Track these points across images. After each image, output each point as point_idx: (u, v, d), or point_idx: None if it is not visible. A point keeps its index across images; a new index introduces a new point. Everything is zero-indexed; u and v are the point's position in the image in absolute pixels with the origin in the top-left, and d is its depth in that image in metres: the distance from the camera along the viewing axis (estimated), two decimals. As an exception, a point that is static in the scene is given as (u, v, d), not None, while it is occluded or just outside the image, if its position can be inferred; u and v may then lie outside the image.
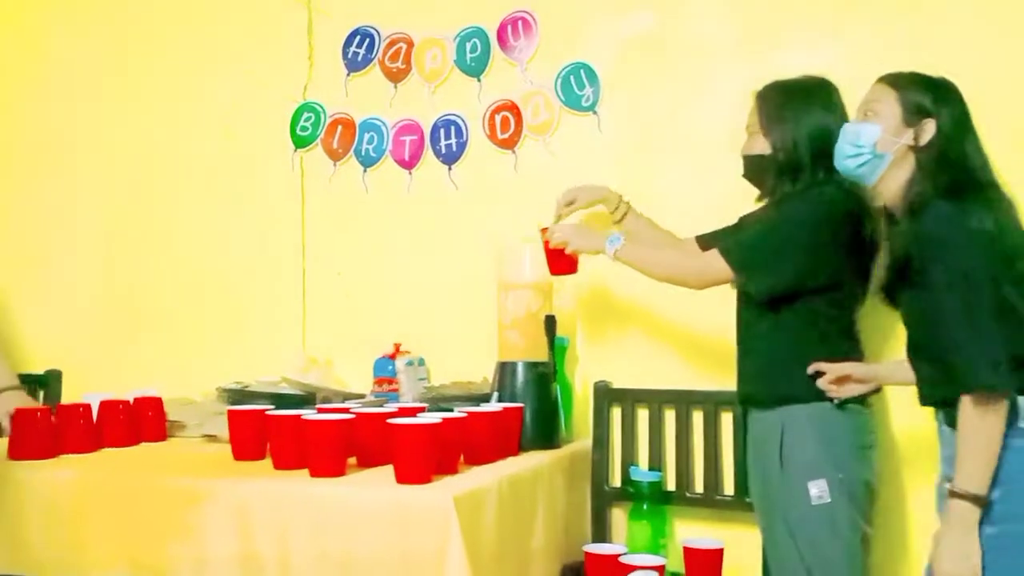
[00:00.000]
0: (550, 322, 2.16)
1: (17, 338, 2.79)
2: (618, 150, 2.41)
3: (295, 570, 1.59)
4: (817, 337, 1.85)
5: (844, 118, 1.86)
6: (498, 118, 2.53)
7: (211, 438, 2.18)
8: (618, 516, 2.29)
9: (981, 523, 1.47)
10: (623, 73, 2.41)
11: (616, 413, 2.32)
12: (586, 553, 1.94)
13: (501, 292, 2.21)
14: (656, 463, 2.26)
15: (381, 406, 1.99)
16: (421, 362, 2.46)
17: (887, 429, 2.08)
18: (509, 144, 2.51)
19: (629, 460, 2.29)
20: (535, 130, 2.49)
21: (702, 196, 2.29)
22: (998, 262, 1.50)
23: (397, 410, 1.89)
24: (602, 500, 2.28)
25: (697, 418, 2.24)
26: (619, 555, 1.90)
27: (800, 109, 1.88)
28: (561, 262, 2.10)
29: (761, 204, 2.01)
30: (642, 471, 2.24)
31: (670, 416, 2.27)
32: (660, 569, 1.84)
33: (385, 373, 2.45)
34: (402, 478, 1.61)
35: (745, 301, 1.95)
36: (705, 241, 2.14)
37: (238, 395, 2.25)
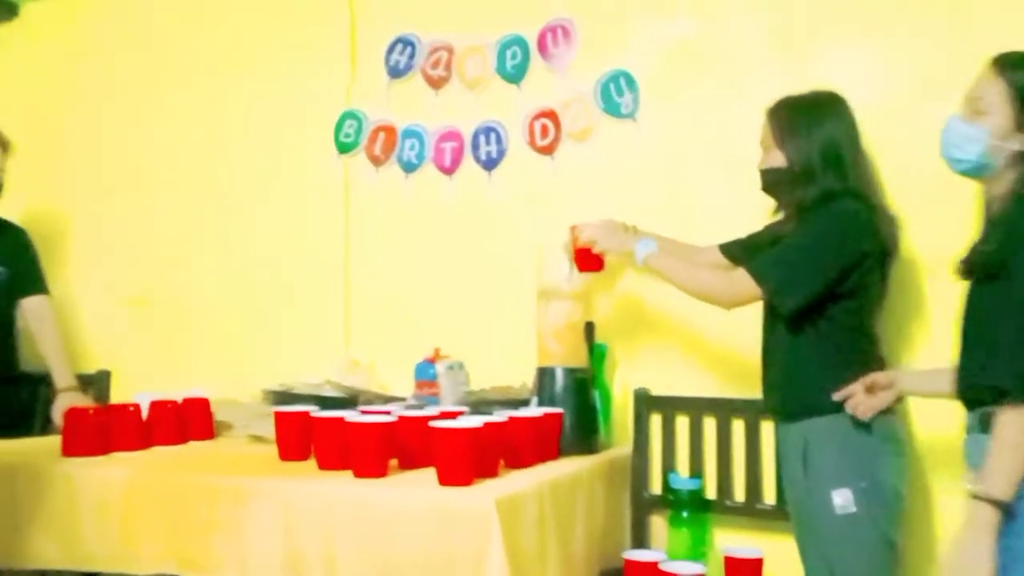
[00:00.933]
0: (589, 328, 2.17)
1: (70, 338, 2.86)
2: (657, 157, 2.41)
3: (338, 568, 1.61)
4: (836, 347, 1.86)
5: (854, 129, 1.90)
6: (537, 125, 2.55)
7: (257, 438, 2.22)
8: (656, 523, 2.29)
9: (1003, 533, 1.44)
10: (662, 80, 2.41)
11: (655, 420, 2.32)
12: (626, 560, 1.94)
13: (541, 298, 2.23)
14: (696, 471, 2.26)
15: (422, 409, 2.01)
16: (461, 366, 2.48)
17: (913, 435, 2.05)
18: (548, 150, 2.53)
19: (668, 467, 2.29)
20: (574, 137, 2.50)
21: (740, 203, 2.28)
22: None
23: (438, 413, 1.91)
24: (641, 507, 2.28)
25: (737, 426, 2.23)
26: (659, 562, 1.90)
27: (811, 122, 1.90)
28: (589, 261, 2.12)
29: (777, 216, 2.04)
30: (682, 479, 2.24)
31: (710, 424, 2.27)
32: (700, 577, 1.84)
33: (426, 377, 2.47)
34: (444, 480, 1.63)
35: (767, 311, 1.96)
36: (728, 250, 2.15)
37: (283, 397, 2.29)
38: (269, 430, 2.05)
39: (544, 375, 2.17)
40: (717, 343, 2.31)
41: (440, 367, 2.43)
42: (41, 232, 2.89)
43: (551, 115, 2.53)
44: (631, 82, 2.44)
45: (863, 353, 1.88)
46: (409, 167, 2.70)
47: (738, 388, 2.26)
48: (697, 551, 2.15)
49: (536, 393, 2.16)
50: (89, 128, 3.16)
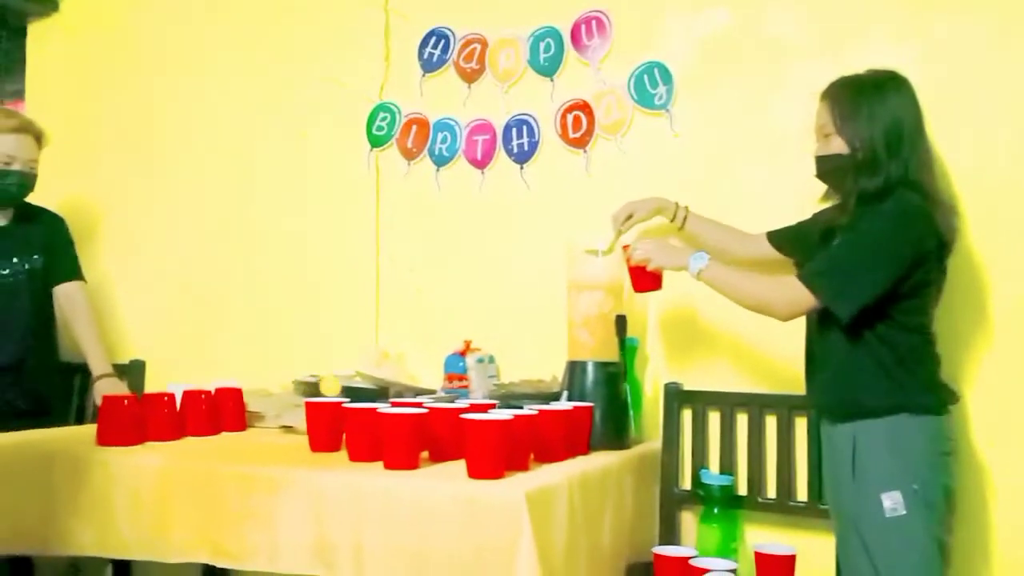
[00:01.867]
0: (621, 322, 2.15)
1: (104, 329, 2.89)
2: (691, 149, 2.39)
3: (368, 558, 1.61)
4: (892, 347, 1.79)
5: (918, 110, 1.82)
6: (570, 117, 2.53)
7: (288, 429, 2.24)
8: (686, 519, 2.27)
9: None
10: (697, 72, 2.39)
11: (687, 415, 2.31)
12: (655, 555, 1.93)
13: (572, 291, 2.22)
14: (727, 467, 2.24)
15: (452, 402, 2.01)
16: (491, 359, 2.48)
17: (968, 434, 2.02)
18: (581, 143, 2.52)
19: (699, 463, 2.27)
20: (607, 129, 2.49)
21: (776, 196, 2.26)
22: None
23: (469, 406, 1.91)
24: (671, 502, 2.26)
25: (770, 422, 2.21)
26: (689, 558, 1.89)
27: (874, 104, 1.82)
28: (644, 279, 2.08)
29: (828, 203, 1.99)
30: (713, 474, 2.22)
31: (742, 420, 2.24)
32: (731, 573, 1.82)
33: (456, 369, 2.48)
34: (474, 473, 1.63)
35: (817, 311, 1.91)
36: (775, 239, 2.12)
37: (314, 388, 2.30)
38: (300, 421, 2.07)
39: (575, 369, 2.16)
40: (749, 338, 2.29)
41: (470, 360, 2.44)
42: (76, 223, 2.93)
43: (584, 107, 2.51)
44: (665, 73, 2.42)
45: (920, 352, 1.81)
46: (441, 160, 2.70)
47: (771, 383, 2.24)
48: (727, 548, 2.13)
49: (566, 387, 2.15)
50: (126, 120, 3.20)
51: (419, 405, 1.85)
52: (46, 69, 3.37)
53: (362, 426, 1.81)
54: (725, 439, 2.25)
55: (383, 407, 1.80)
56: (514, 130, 2.61)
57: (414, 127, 2.74)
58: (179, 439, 2.11)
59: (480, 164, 2.65)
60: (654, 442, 2.31)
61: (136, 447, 1.99)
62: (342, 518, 1.65)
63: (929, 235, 1.77)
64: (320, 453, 1.92)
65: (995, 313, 2.04)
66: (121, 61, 3.24)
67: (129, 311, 3.11)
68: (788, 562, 1.93)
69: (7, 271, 2.67)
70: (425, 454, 1.79)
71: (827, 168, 1.90)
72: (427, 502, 1.59)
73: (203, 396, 2.20)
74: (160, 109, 3.15)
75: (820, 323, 1.90)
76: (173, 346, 3.02)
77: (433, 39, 2.73)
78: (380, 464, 1.73)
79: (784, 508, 2.16)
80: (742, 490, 2.21)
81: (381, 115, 2.79)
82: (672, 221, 2.24)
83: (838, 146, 1.86)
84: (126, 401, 2.04)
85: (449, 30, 2.71)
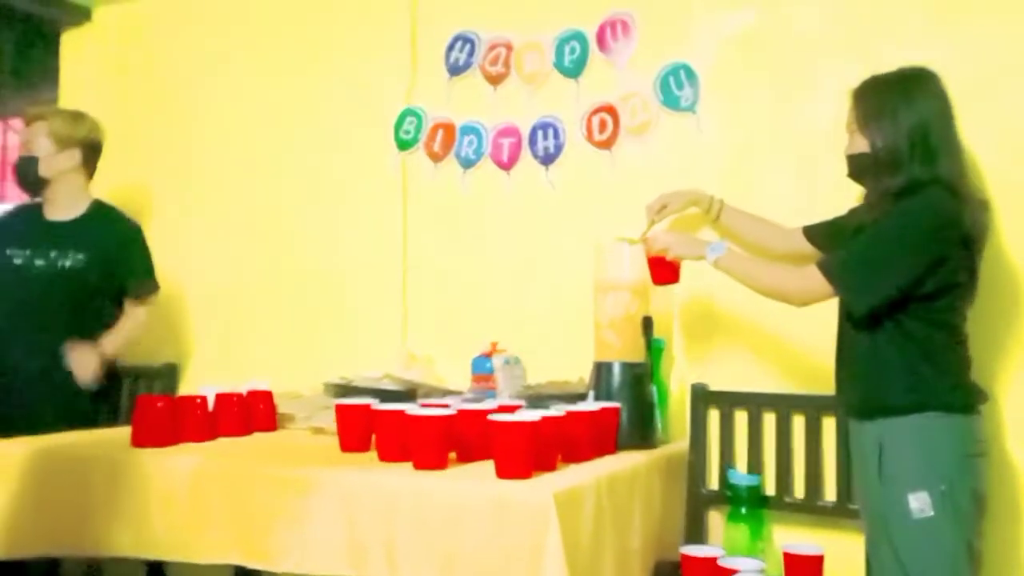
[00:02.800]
0: (647, 323, 2.16)
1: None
2: (717, 150, 2.39)
3: (399, 558, 1.63)
4: (919, 345, 1.77)
5: (948, 107, 1.80)
6: (596, 119, 2.54)
7: (318, 430, 2.26)
8: (713, 519, 2.27)
9: None
10: (723, 72, 2.39)
11: (713, 416, 2.30)
12: (682, 555, 1.94)
13: (598, 292, 2.22)
14: (754, 467, 2.23)
15: (479, 403, 2.03)
16: (518, 361, 2.49)
17: (1001, 438, 2.00)
18: (606, 145, 2.53)
19: (726, 463, 2.27)
20: (633, 131, 2.49)
21: (804, 197, 2.25)
22: None
23: (496, 407, 1.92)
24: (698, 502, 2.27)
25: (798, 422, 2.21)
26: (717, 558, 1.89)
27: (898, 103, 1.80)
28: (663, 270, 2.09)
29: (863, 202, 1.97)
30: (740, 474, 2.22)
31: (769, 420, 2.24)
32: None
33: (483, 371, 2.49)
34: (502, 473, 1.64)
35: (842, 307, 1.90)
36: (810, 233, 2.11)
37: (343, 390, 2.32)
38: (330, 422, 2.09)
39: (601, 369, 2.16)
40: (777, 338, 2.28)
41: (497, 361, 2.45)
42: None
43: (609, 110, 2.52)
44: (691, 75, 2.42)
45: (947, 351, 1.79)
46: (467, 163, 2.72)
47: (798, 383, 2.23)
48: (755, 547, 2.13)
49: (593, 387, 2.16)
50: (158, 127, 3.26)
51: (447, 406, 1.86)
52: (79, 78, 3.43)
53: (392, 427, 1.82)
54: (752, 439, 2.25)
55: (412, 408, 1.82)
56: (540, 132, 2.62)
57: (440, 131, 2.76)
58: (212, 440, 2.14)
59: (506, 166, 2.67)
60: (681, 442, 2.31)
61: (170, 448, 2.02)
62: (373, 518, 1.66)
63: (952, 233, 1.74)
64: (350, 454, 1.94)
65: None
66: (153, 69, 3.29)
67: (162, 315, 3.14)
68: (816, 562, 1.93)
69: (42, 262, 2.63)
70: (454, 455, 1.81)
71: (853, 167, 1.91)
72: (457, 503, 1.60)
73: (235, 398, 2.23)
74: (191, 116, 3.20)
75: (847, 320, 1.89)
76: (205, 350, 3.07)
77: (459, 43, 2.75)
78: (409, 465, 1.75)
79: (812, 508, 2.16)
80: (770, 490, 2.21)
81: (408, 119, 2.81)
82: (707, 213, 2.24)
83: (862, 144, 1.86)
84: (160, 403, 2.07)
85: (475, 34, 2.73)
